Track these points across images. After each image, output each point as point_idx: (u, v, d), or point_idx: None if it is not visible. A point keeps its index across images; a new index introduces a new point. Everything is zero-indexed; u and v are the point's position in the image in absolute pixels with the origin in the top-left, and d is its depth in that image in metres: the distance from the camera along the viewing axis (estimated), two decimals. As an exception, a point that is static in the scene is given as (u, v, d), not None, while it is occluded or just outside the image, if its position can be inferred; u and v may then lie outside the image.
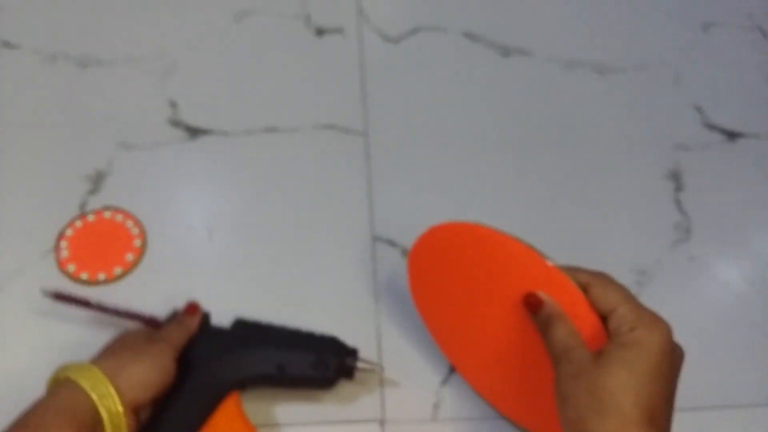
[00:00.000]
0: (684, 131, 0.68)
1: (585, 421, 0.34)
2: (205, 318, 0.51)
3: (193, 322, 0.49)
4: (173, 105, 0.65)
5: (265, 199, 0.61)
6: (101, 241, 0.57)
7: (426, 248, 0.48)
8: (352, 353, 0.49)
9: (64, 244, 0.57)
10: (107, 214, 0.58)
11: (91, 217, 0.58)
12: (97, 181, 0.60)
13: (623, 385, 0.34)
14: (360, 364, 0.49)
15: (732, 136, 0.68)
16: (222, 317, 0.55)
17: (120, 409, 0.40)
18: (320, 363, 0.47)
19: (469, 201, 0.63)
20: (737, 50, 0.74)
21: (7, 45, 0.67)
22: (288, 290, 0.57)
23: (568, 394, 0.35)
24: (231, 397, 0.47)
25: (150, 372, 0.43)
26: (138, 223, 0.58)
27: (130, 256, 0.57)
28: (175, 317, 0.50)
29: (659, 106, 0.70)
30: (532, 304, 0.40)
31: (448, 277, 0.47)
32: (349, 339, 0.53)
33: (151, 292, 0.55)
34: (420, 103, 0.68)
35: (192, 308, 0.50)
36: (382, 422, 0.51)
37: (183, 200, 0.61)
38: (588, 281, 0.39)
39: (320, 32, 0.71)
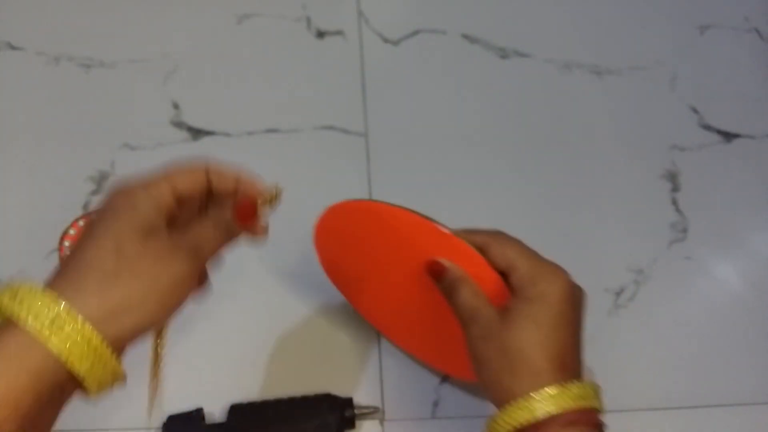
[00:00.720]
0: (680, 132, 0.68)
1: (500, 380, 0.34)
2: (199, 414, 0.50)
3: (237, 230, 0.36)
4: (176, 106, 0.66)
5: (266, 200, 0.62)
6: (104, 241, 0.58)
7: (329, 227, 0.49)
8: (348, 403, 0.50)
9: (67, 243, 0.57)
10: (110, 214, 0.59)
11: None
12: (100, 181, 0.61)
13: (531, 340, 0.34)
14: (357, 412, 0.50)
15: (728, 137, 0.69)
16: (222, 316, 0.56)
17: (93, 334, 0.27)
18: (321, 427, 0.48)
19: (467, 201, 0.63)
20: (734, 52, 0.74)
21: (11, 47, 0.68)
22: (287, 290, 0.57)
23: (480, 356, 0.36)
24: None
25: (145, 298, 0.29)
26: (141, 222, 0.59)
27: (132, 256, 0.57)
28: (214, 216, 0.36)
29: (656, 107, 0.70)
30: (435, 272, 0.40)
31: (356, 253, 0.48)
32: (348, 338, 0.54)
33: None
34: (419, 104, 0.68)
35: (246, 209, 0.36)
36: (381, 420, 0.52)
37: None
38: (485, 241, 0.39)
39: (321, 34, 0.72)
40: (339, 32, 0.72)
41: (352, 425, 0.50)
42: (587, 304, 0.39)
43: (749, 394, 0.56)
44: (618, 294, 0.60)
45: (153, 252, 0.30)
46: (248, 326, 0.55)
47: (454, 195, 0.63)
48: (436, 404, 0.53)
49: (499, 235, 0.40)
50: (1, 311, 0.27)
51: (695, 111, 0.70)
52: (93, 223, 0.31)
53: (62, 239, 0.57)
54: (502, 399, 0.34)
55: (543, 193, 0.64)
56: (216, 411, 0.51)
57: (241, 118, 0.66)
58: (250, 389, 0.52)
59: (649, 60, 0.73)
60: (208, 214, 0.35)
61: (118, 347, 0.29)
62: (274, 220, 0.61)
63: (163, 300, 0.30)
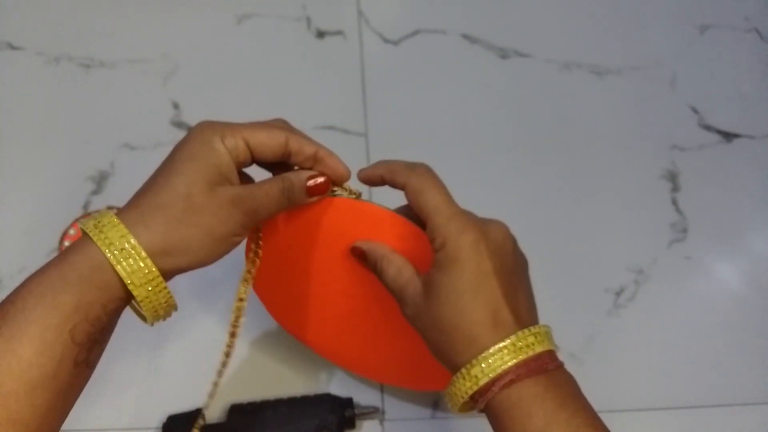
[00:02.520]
0: (680, 132, 0.69)
1: (442, 355, 0.34)
2: (199, 414, 0.50)
3: (295, 193, 0.37)
4: (176, 106, 0.66)
5: (266, 200, 0.62)
6: (104, 241, 0.58)
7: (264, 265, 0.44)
8: (348, 403, 0.50)
9: (67, 243, 0.57)
10: (110, 214, 0.59)
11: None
12: (100, 181, 0.61)
13: (456, 309, 0.33)
14: (358, 411, 0.50)
15: (728, 136, 0.69)
16: (222, 316, 0.56)
17: (152, 268, 0.32)
18: (322, 427, 0.48)
19: (467, 201, 0.63)
20: (734, 52, 0.74)
21: (11, 47, 0.68)
22: (289, 289, 0.57)
23: (419, 331, 0.35)
24: None
25: (203, 241, 0.33)
26: (141, 222, 0.59)
27: (132, 256, 0.57)
28: (281, 178, 0.37)
29: (656, 107, 0.70)
30: (359, 257, 0.39)
31: (289, 273, 0.44)
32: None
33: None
34: (419, 104, 0.68)
35: (319, 187, 0.38)
36: (381, 420, 0.52)
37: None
38: (404, 183, 0.37)
39: (321, 34, 0.72)
40: (339, 32, 0.72)
41: (353, 425, 0.50)
42: (518, 244, 0.38)
43: (749, 394, 0.56)
44: (618, 294, 0.60)
45: (216, 205, 0.33)
46: (249, 326, 0.55)
47: (453, 195, 0.63)
48: (435, 404, 0.53)
49: (416, 178, 0.37)
50: (87, 235, 0.32)
51: (695, 111, 0.70)
52: (173, 159, 0.34)
53: (62, 239, 0.57)
54: (450, 372, 0.34)
55: (543, 193, 0.64)
56: (216, 411, 0.51)
57: (241, 118, 0.65)
58: (251, 390, 0.52)
59: (649, 60, 0.73)
60: (277, 177, 0.36)
61: (168, 277, 0.34)
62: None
63: (213, 247, 0.35)
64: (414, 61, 0.71)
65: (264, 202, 0.35)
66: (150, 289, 0.33)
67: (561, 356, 0.37)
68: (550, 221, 0.63)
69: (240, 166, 0.36)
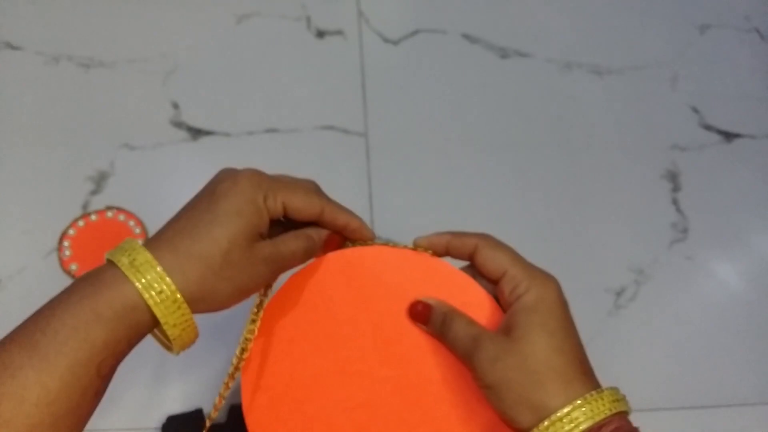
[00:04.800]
0: (681, 132, 0.68)
1: (528, 398, 0.32)
2: (198, 414, 0.49)
3: (316, 250, 0.39)
4: (175, 106, 0.66)
5: (266, 200, 0.62)
6: (104, 241, 0.58)
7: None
8: None
9: (66, 243, 0.57)
10: (110, 214, 0.59)
11: (93, 217, 0.59)
12: (99, 181, 0.61)
13: (548, 348, 0.33)
14: None
15: (728, 136, 0.69)
16: (223, 315, 0.56)
17: (188, 313, 0.33)
18: None
19: (467, 201, 0.63)
20: (734, 52, 0.74)
21: (11, 46, 0.68)
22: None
23: (496, 381, 0.33)
24: None
25: (232, 294, 0.35)
26: (140, 222, 0.59)
27: (132, 256, 0.57)
28: (303, 233, 0.38)
29: (656, 107, 0.70)
30: (420, 313, 0.37)
31: (300, 364, 0.38)
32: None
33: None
34: (419, 104, 0.68)
35: (335, 244, 0.39)
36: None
37: (185, 200, 0.61)
38: (476, 244, 0.37)
39: (321, 34, 0.72)
40: (339, 32, 0.72)
41: None
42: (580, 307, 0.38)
43: (749, 394, 0.56)
44: (618, 294, 0.60)
45: (249, 261, 0.35)
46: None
47: (454, 195, 0.63)
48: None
49: (488, 238, 0.38)
50: (122, 271, 0.32)
51: (695, 111, 0.70)
52: (218, 209, 0.35)
53: (62, 239, 0.57)
54: (534, 418, 0.32)
55: (543, 193, 0.64)
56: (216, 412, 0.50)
57: (240, 118, 0.66)
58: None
59: (649, 60, 0.73)
60: (301, 235, 0.38)
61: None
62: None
63: (238, 298, 0.36)
64: (414, 61, 0.71)
65: (289, 260, 0.37)
66: (183, 329, 0.34)
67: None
68: (550, 221, 0.63)
69: (274, 222, 0.37)
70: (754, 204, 0.65)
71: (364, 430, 0.37)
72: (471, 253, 0.37)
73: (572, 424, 0.31)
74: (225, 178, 0.37)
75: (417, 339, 0.37)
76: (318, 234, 0.39)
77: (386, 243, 0.39)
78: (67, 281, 0.56)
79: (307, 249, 0.38)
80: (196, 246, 0.33)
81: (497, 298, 0.37)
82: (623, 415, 0.33)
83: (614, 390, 0.33)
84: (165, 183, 0.62)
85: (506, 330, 0.34)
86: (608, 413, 0.32)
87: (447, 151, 0.66)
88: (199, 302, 0.34)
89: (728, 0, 0.77)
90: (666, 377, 0.56)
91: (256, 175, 0.37)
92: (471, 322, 0.36)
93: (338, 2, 0.74)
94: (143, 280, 0.32)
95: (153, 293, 0.32)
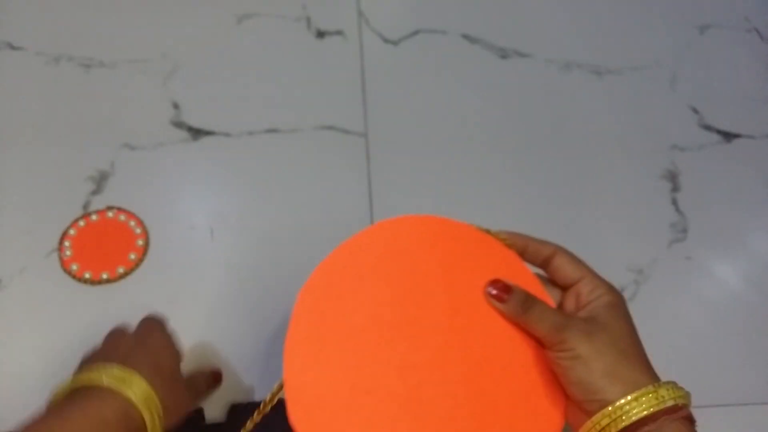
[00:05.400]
0: (680, 132, 0.69)
1: (618, 370, 0.35)
2: (199, 414, 0.49)
3: (208, 390, 0.50)
4: (176, 106, 0.66)
5: (266, 199, 0.62)
6: (104, 241, 0.58)
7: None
8: None
9: (67, 243, 0.57)
10: (110, 214, 0.59)
11: (94, 217, 0.59)
12: (100, 181, 0.61)
13: (630, 336, 0.37)
14: None
15: (728, 136, 0.69)
16: (224, 315, 0.56)
17: (158, 402, 0.39)
18: None
19: (467, 201, 0.63)
20: (734, 52, 0.75)
21: (11, 47, 0.68)
22: (288, 289, 0.57)
23: (589, 352, 0.35)
24: None
25: (184, 405, 0.42)
26: (140, 222, 0.59)
27: (132, 256, 0.57)
28: (201, 375, 0.49)
29: (656, 107, 0.70)
30: (500, 291, 0.39)
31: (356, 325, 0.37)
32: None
33: (154, 291, 0.56)
34: (419, 104, 0.68)
35: (217, 377, 0.51)
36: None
37: (185, 200, 0.61)
38: (554, 251, 0.41)
39: (321, 34, 0.72)
40: (339, 32, 0.72)
41: None
42: None
43: (749, 394, 0.56)
44: (618, 294, 0.60)
45: (182, 388, 0.43)
46: (249, 326, 0.55)
47: (454, 195, 0.64)
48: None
49: (565, 248, 0.41)
50: (107, 386, 0.38)
51: (695, 111, 0.70)
52: (153, 339, 0.43)
53: (62, 239, 0.57)
54: (624, 389, 0.34)
55: (543, 193, 0.64)
56: (216, 411, 0.51)
57: (241, 118, 0.66)
58: (251, 390, 0.52)
59: (649, 60, 0.73)
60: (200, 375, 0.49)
61: None
62: (275, 221, 0.61)
63: (180, 415, 0.42)
64: (414, 61, 0.71)
65: (198, 385, 0.48)
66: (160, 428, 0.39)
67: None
68: (549, 221, 0.63)
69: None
70: (754, 204, 0.65)
71: (413, 396, 0.36)
72: (547, 258, 0.41)
73: (658, 401, 0.34)
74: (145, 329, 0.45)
75: (485, 316, 0.38)
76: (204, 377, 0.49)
77: (473, 225, 0.41)
78: (68, 281, 0.56)
79: (202, 383, 0.48)
80: (155, 361, 0.40)
81: (559, 306, 0.40)
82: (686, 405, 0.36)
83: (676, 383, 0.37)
84: (165, 183, 0.62)
85: (588, 318, 0.37)
86: (683, 400, 0.35)
87: (447, 151, 0.66)
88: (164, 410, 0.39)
89: (728, 0, 0.77)
90: (665, 377, 0.56)
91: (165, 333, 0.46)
92: (552, 307, 0.39)
93: (338, 2, 0.74)
94: (132, 391, 0.37)
95: (142, 399, 0.37)
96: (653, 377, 0.36)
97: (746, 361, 0.58)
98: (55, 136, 0.63)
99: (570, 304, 0.40)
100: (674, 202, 0.65)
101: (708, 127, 0.69)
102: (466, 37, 0.73)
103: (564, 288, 0.41)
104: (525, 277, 0.40)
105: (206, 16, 0.72)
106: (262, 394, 0.52)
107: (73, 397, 0.37)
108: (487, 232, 0.41)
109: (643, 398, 0.34)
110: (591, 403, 0.35)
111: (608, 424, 0.34)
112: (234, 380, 0.53)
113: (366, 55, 0.70)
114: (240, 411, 0.50)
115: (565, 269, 0.40)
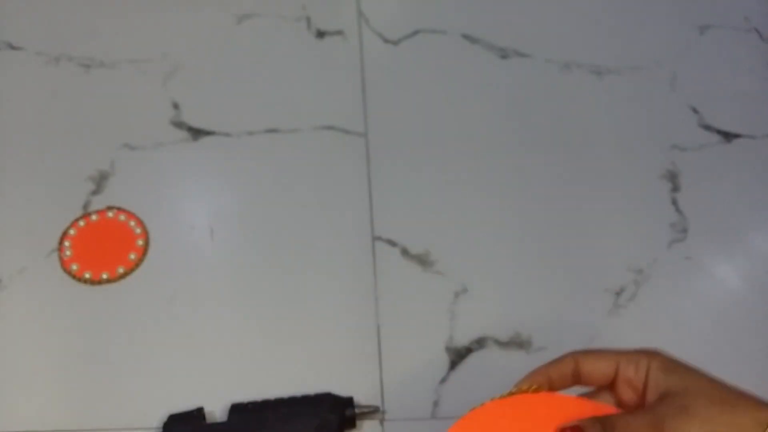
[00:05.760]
0: (680, 132, 0.69)
1: (737, 425, 0.33)
2: (200, 413, 0.50)
3: None
4: (176, 106, 0.66)
5: (265, 199, 0.62)
6: (104, 241, 0.58)
7: None
8: (349, 403, 0.50)
9: (67, 243, 0.57)
10: (110, 214, 0.59)
11: (94, 217, 0.59)
12: (100, 181, 0.61)
13: (715, 380, 0.36)
14: (358, 411, 0.50)
15: (728, 137, 0.69)
16: (224, 316, 0.56)
17: None
18: (322, 427, 0.48)
19: (467, 201, 0.63)
20: (734, 52, 0.74)
21: (11, 47, 0.68)
22: (288, 289, 0.57)
23: (698, 429, 0.33)
24: None
25: None
26: (140, 222, 0.59)
27: (132, 256, 0.57)
28: None
29: (656, 108, 0.70)
30: None
31: None
32: (349, 338, 0.54)
33: (154, 291, 0.56)
34: (419, 104, 0.68)
35: None
36: (382, 420, 0.52)
37: (185, 200, 0.61)
38: (573, 358, 0.38)
39: (321, 34, 0.72)
40: (339, 32, 0.72)
41: (353, 425, 0.50)
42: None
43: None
44: (618, 294, 0.60)
45: None
46: (249, 326, 0.55)
47: (454, 195, 0.64)
48: (436, 404, 0.53)
49: (576, 351, 0.39)
50: None
51: (695, 111, 0.70)
52: None
53: (63, 239, 0.57)
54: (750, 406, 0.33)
55: (543, 193, 0.64)
56: (217, 410, 0.51)
57: (241, 118, 0.66)
58: (251, 389, 0.52)
59: (649, 60, 0.73)
60: None
61: None
62: (275, 221, 0.61)
63: None
64: (414, 61, 0.71)
65: None
66: None
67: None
68: (550, 221, 0.63)
69: None
70: (754, 204, 0.65)
71: None
72: (574, 370, 0.38)
73: None
74: None
75: None
76: None
77: (496, 397, 0.38)
78: (68, 281, 0.56)
79: None
80: None
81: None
82: None
83: None
84: (165, 183, 0.62)
85: (663, 396, 0.35)
86: None
87: (447, 151, 0.66)
88: None
89: (728, 0, 0.77)
90: (665, 377, 0.56)
91: None
92: (628, 412, 0.36)
93: (338, 3, 0.74)
94: None
95: None
96: (765, 407, 0.34)
97: (746, 361, 0.58)
98: (55, 136, 0.63)
99: (627, 396, 0.37)
100: (674, 202, 0.65)
101: (708, 127, 0.69)
102: (466, 37, 0.73)
103: (609, 387, 0.38)
104: (574, 407, 0.37)
105: (206, 16, 0.72)
106: (263, 393, 0.52)
107: None
108: (511, 394, 0.38)
109: None
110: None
111: None
112: (235, 380, 0.53)
113: (366, 55, 0.70)
114: (240, 410, 0.50)
115: (596, 369, 0.37)
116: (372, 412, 0.51)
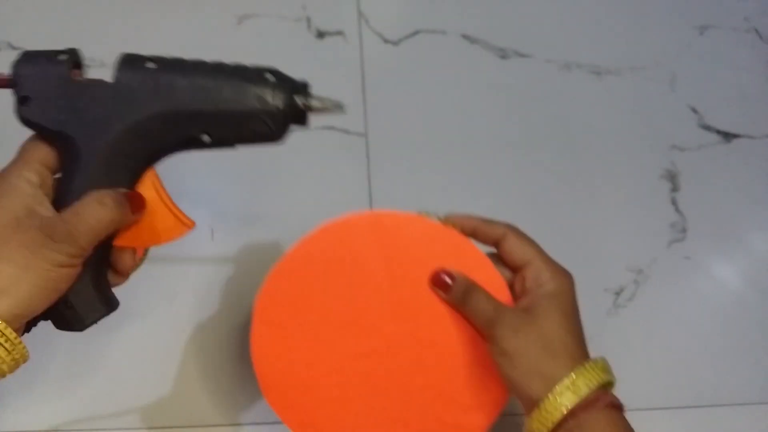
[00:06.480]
0: (680, 132, 0.69)
1: (540, 367, 0.35)
2: (69, 58, 0.34)
3: (126, 214, 0.33)
4: (175, 106, 0.66)
5: (265, 199, 0.62)
6: (104, 241, 0.58)
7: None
8: (302, 89, 0.36)
9: (67, 243, 0.57)
10: (110, 214, 0.59)
11: None
12: (100, 181, 0.61)
13: (564, 327, 0.37)
14: (315, 102, 0.37)
15: (727, 137, 0.69)
16: (223, 315, 0.56)
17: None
18: (258, 105, 0.34)
19: (467, 201, 0.64)
20: (733, 52, 0.75)
21: (11, 47, 0.68)
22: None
23: (513, 349, 0.36)
24: (147, 175, 0.36)
25: (19, 281, 0.30)
26: (141, 222, 0.59)
27: (133, 256, 0.57)
28: (98, 194, 0.33)
29: (655, 108, 0.70)
30: (443, 281, 0.40)
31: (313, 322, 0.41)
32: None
33: (154, 291, 0.56)
34: (419, 104, 0.68)
35: (136, 198, 0.35)
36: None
37: (185, 200, 0.61)
38: (503, 233, 0.40)
39: (321, 35, 0.72)
40: (339, 32, 0.72)
41: (303, 119, 0.36)
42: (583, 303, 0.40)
43: (749, 394, 0.56)
44: (618, 294, 0.60)
45: (23, 240, 0.31)
46: (249, 326, 0.55)
47: (454, 195, 0.64)
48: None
49: (515, 228, 0.41)
50: None
51: (695, 111, 0.70)
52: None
53: (62, 239, 0.57)
54: (544, 386, 0.35)
55: (543, 193, 0.64)
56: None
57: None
58: (253, 389, 0.52)
59: (648, 60, 0.73)
60: (105, 195, 0.33)
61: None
62: (275, 221, 0.61)
63: (37, 285, 0.31)
64: (414, 61, 0.71)
65: (83, 216, 0.32)
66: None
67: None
68: (549, 221, 0.63)
69: (47, 187, 0.34)
70: (753, 204, 0.66)
71: (369, 379, 0.40)
72: (497, 240, 0.40)
73: (575, 393, 0.34)
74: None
75: (432, 305, 0.40)
76: (118, 196, 0.33)
77: (420, 213, 0.41)
78: (68, 281, 0.56)
79: (101, 198, 0.32)
80: None
81: (511, 285, 0.40)
82: (609, 386, 0.37)
83: (603, 360, 0.37)
84: (165, 183, 0.61)
85: (526, 309, 0.38)
86: (601, 382, 0.35)
87: (447, 151, 0.66)
88: None
89: (727, 0, 0.77)
90: (665, 377, 0.57)
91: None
92: (491, 296, 0.39)
93: (338, 3, 0.74)
94: None
95: None
96: (574, 366, 0.35)
97: (746, 361, 0.58)
98: (55, 136, 0.63)
99: (518, 287, 0.40)
100: (674, 202, 0.65)
101: (708, 127, 0.69)
102: (466, 37, 0.73)
103: (515, 270, 0.40)
104: (475, 260, 0.41)
105: (206, 16, 0.72)
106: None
107: None
108: (437, 218, 0.41)
109: (561, 394, 0.34)
110: (523, 399, 0.36)
111: (538, 428, 0.35)
112: (235, 380, 0.53)
113: (366, 55, 0.71)
114: (135, 66, 0.37)
115: (514, 252, 0.40)
116: (332, 107, 0.38)
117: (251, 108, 0.35)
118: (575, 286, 0.39)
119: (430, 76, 0.70)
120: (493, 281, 0.40)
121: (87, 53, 0.68)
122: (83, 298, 0.34)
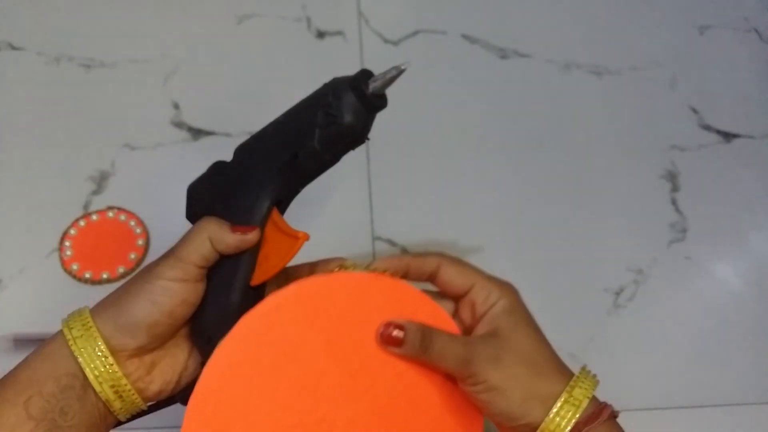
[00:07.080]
0: (680, 132, 0.69)
1: (534, 390, 0.34)
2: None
3: (233, 238, 0.37)
4: (176, 106, 0.66)
5: (266, 200, 0.62)
6: (105, 241, 0.58)
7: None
8: (366, 77, 0.37)
9: (67, 243, 0.57)
10: (111, 214, 0.59)
11: (94, 217, 0.59)
12: (100, 181, 0.61)
13: (537, 339, 0.36)
14: (379, 84, 0.38)
15: (727, 137, 0.69)
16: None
17: (103, 349, 0.33)
18: (330, 113, 0.38)
19: (467, 201, 0.64)
20: (733, 52, 0.74)
21: (11, 47, 0.68)
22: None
23: (502, 380, 0.34)
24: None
25: (141, 308, 0.34)
26: (141, 222, 0.59)
27: (133, 256, 0.57)
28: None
29: (655, 108, 0.70)
30: (393, 337, 0.35)
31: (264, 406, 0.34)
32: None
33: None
34: (419, 104, 0.68)
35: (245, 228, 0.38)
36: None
37: (185, 200, 0.61)
38: (437, 263, 0.38)
39: (321, 34, 0.72)
40: (339, 32, 0.72)
41: (383, 101, 0.39)
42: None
43: (749, 394, 0.56)
44: (618, 294, 0.60)
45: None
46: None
47: (453, 195, 0.64)
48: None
49: (447, 256, 0.39)
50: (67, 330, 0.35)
51: (695, 111, 0.70)
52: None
53: (63, 239, 0.58)
54: (544, 408, 0.34)
55: (543, 193, 0.64)
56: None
57: (241, 118, 0.65)
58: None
59: (649, 60, 0.73)
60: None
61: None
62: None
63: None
64: (414, 62, 0.71)
65: (193, 245, 0.39)
66: (101, 365, 0.34)
67: (561, 356, 0.37)
68: (549, 221, 0.63)
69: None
70: (753, 204, 0.65)
71: None
72: (433, 272, 0.38)
73: (575, 406, 0.33)
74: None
75: (387, 365, 0.36)
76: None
77: (341, 268, 0.38)
78: (69, 281, 0.56)
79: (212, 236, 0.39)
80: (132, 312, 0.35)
81: (454, 316, 0.38)
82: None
83: (585, 368, 0.36)
84: (166, 183, 0.62)
85: (492, 334, 0.36)
86: (594, 388, 0.35)
87: (447, 151, 0.66)
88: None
89: (727, 1, 0.77)
90: (665, 377, 0.57)
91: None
92: (452, 334, 0.36)
93: (338, 3, 0.74)
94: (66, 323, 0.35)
95: (74, 332, 0.34)
96: (564, 379, 0.34)
97: (746, 361, 0.58)
98: (55, 136, 0.63)
99: (466, 315, 0.38)
100: (674, 202, 0.65)
101: (708, 127, 0.69)
102: (466, 37, 0.73)
103: (456, 299, 0.38)
104: (414, 301, 0.37)
105: (206, 16, 0.72)
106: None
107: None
108: (364, 268, 0.38)
109: (563, 409, 0.33)
110: (519, 428, 0.34)
111: None
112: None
113: (366, 55, 0.70)
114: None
115: (453, 280, 0.38)
116: (398, 73, 0.38)
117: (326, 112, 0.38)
118: (520, 293, 0.38)
119: (429, 76, 0.70)
120: (437, 317, 0.37)
121: (87, 53, 0.68)
122: None
